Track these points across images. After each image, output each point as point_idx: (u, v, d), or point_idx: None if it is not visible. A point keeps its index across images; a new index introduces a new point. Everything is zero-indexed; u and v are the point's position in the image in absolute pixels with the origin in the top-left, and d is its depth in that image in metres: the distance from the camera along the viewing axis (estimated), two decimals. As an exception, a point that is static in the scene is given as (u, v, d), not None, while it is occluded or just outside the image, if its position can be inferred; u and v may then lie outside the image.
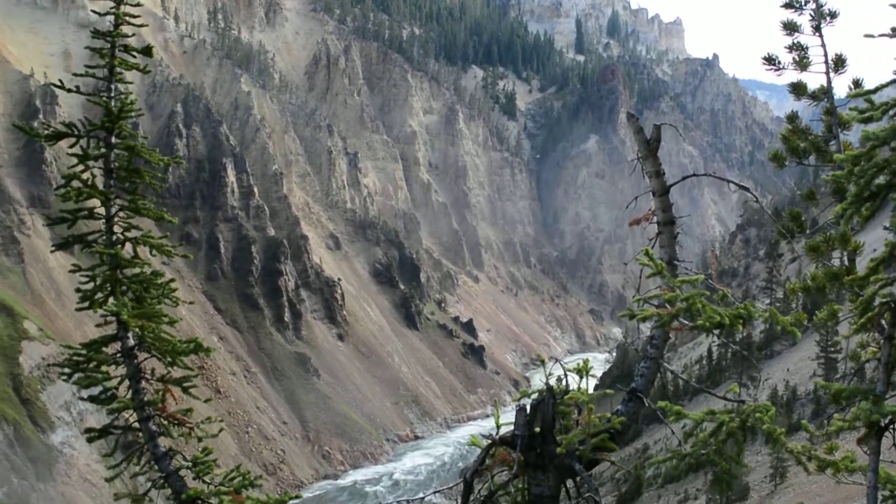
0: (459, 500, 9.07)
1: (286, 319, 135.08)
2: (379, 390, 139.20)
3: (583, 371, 9.04)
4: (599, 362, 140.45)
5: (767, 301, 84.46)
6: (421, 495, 9.88)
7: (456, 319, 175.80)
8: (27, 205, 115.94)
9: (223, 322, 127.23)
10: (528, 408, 8.95)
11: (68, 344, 12.00)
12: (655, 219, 9.01)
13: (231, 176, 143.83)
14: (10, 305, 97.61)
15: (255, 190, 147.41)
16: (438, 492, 9.61)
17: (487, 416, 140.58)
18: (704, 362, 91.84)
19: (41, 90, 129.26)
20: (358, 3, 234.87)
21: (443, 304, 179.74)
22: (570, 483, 9.07)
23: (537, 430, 8.91)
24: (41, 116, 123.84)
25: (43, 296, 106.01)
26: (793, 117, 9.00)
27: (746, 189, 9.92)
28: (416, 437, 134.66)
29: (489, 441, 9.05)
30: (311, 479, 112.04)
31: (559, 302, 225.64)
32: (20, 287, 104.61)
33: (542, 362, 9.32)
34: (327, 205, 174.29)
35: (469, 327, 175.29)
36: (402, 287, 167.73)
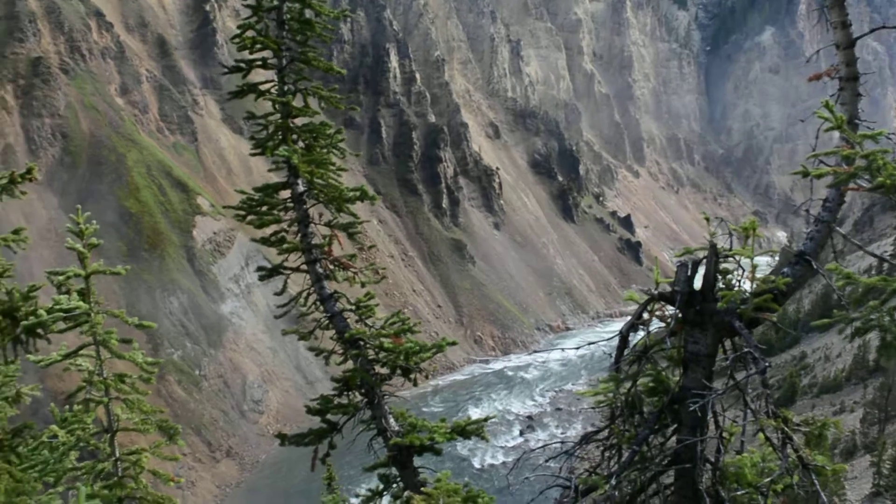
0: (614, 354, 9.11)
1: (444, 206, 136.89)
2: (532, 280, 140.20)
3: (749, 230, 8.74)
4: (762, 268, 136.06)
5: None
6: (576, 346, 9.99)
7: (613, 214, 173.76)
8: (200, 86, 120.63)
9: (383, 206, 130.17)
10: (689, 264, 8.81)
11: (241, 189, 12.59)
12: (838, 74, 8.49)
13: (394, 61, 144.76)
14: (185, 182, 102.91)
15: (417, 76, 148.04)
16: (593, 344, 9.68)
17: (628, 300, 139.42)
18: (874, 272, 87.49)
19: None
20: None
21: (601, 198, 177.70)
22: (727, 343, 8.95)
23: (698, 287, 8.78)
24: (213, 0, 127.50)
25: (214, 173, 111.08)
26: None
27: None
28: (567, 329, 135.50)
29: (647, 296, 8.99)
30: (462, 362, 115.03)
31: (722, 202, 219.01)
32: (194, 165, 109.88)
33: (707, 220, 9.09)
34: (488, 93, 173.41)
35: (626, 222, 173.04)
36: (560, 179, 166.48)
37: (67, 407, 11.94)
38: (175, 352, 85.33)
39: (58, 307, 8.90)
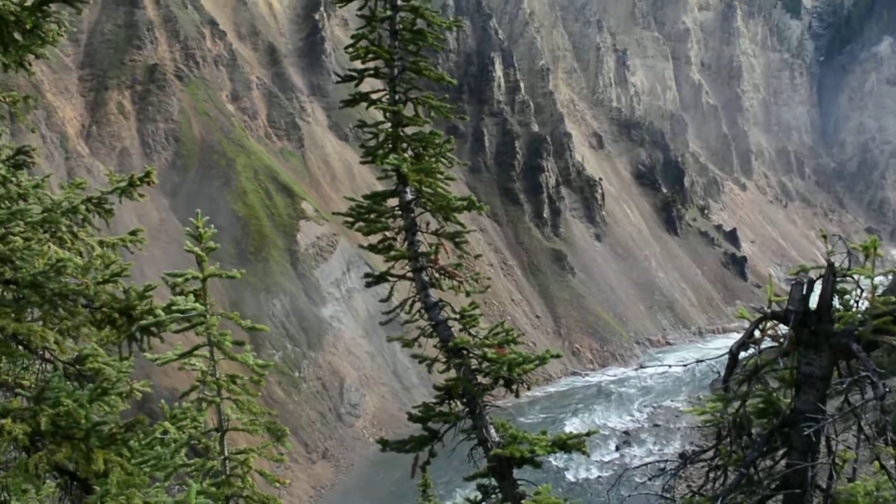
0: (723, 373, 8.90)
1: (545, 216, 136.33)
2: (633, 293, 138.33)
3: (870, 249, 8.44)
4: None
5: None
6: (683, 362, 9.79)
7: (718, 227, 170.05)
8: (308, 93, 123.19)
9: (483, 214, 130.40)
10: (804, 283, 8.54)
11: (350, 196, 12.80)
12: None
13: (498, 70, 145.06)
14: (291, 186, 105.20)
15: (521, 85, 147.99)
16: (702, 361, 9.48)
17: (744, 329, 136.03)
18: None
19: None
20: None
21: (706, 211, 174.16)
22: (842, 365, 8.64)
23: (813, 306, 8.51)
24: (322, 8, 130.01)
25: (319, 179, 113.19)
26: None
27: None
28: (668, 344, 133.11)
29: (759, 314, 8.75)
30: (559, 374, 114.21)
31: (833, 217, 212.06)
32: (300, 170, 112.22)
33: (825, 237, 8.80)
34: (592, 102, 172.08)
35: (732, 237, 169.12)
36: (665, 190, 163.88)
37: (177, 404, 12.33)
38: (276, 353, 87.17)
39: (175, 308, 9.21)
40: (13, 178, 11.10)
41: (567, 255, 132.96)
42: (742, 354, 9.21)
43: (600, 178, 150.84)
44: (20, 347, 10.39)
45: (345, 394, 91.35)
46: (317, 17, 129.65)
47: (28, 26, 9.36)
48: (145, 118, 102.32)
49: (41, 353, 10.63)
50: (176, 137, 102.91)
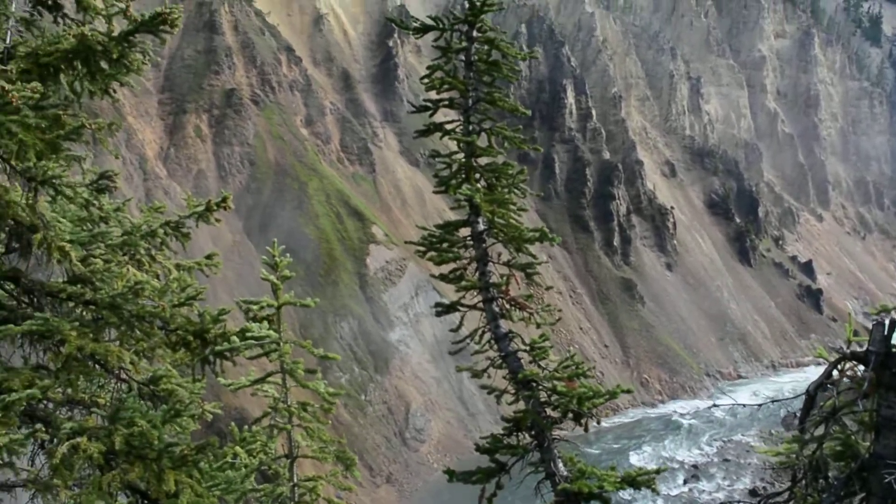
0: (799, 414, 8.67)
1: (615, 244, 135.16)
2: (704, 324, 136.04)
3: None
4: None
5: None
6: (757, 402, 9.56)
7: (793, 259, 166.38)
8: (380, 118, 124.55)
9: (555, 245, 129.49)
10: (886, 323, 8.28)
11: (423, 226, 12.85)
12: None
13: (570, 97, 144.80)
14: (362, 211, 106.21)
15: (593, 112, 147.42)
16: (776, 401, 9.24)
17: (819, 363, 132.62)
18: None
19: (397, 10, 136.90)
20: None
21: (780, 242, 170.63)
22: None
23: (895, 348, 8.23)
24: (396, 35, 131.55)
25: (390, 203, 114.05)
26: None
27: None
28: (739, 377, 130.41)
29: (838, 354, 8.51)
30: (627, 405, 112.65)
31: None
32: (370, 194, 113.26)
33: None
34: (665, 130, 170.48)
35: (807, 268, 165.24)
36: (738, 220, 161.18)
37: (247, 427, 12.46)
38: (343, 376, 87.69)
39: (249, 334, 9.35)
40: (95, 202, 11.41)
41: (637, 283, 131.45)
42: (819, 395, 8.96)
43: (672, 207, 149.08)
44: (97, 367, 10.63)
45: (410, 418, 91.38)
46: (390, 43, 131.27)
47: (114, 56, 9.64)
48: (221, 141, 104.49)
49: (117, 372, 10.85)
50: (251, 161, 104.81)
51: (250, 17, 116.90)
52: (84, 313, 10.75)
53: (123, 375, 10.99)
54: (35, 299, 11.01)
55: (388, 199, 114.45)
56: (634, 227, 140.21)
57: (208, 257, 12.10)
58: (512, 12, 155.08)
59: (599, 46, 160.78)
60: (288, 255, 10.60)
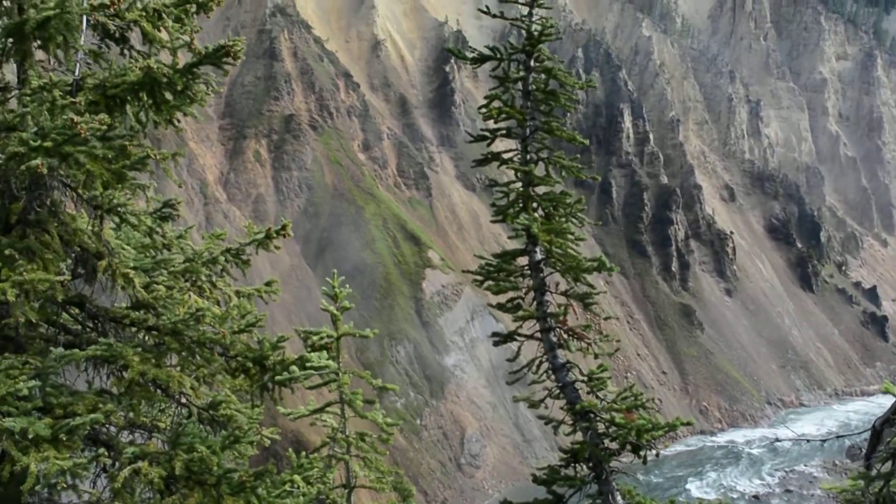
0: (865, 449, 8.44)
1: (673, 269, 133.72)
2: (765, 351, 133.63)
3: None
4: None
5: None
6: (821, 438, 9.34)
7: (857, 285, 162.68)
8: (437, 143, 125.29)
9: (613, 274, 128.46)
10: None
11: (480, 254, 12.87)
12: None
13: (627, 122, 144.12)
14: (418, 235, 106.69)
15: (651, 136, 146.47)
16: (841, 437, 9.02)
17: (884, 392, 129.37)
18: None
19: (454, 36, 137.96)
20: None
21: (843, 267, 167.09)
22: None
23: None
24: (452, 61, 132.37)
25: (446, 228, 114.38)
26: None
27: None
28: (801, 405, 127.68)
29: (908, 390, 8.28)
30: (686, 433, 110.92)
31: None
32: (427, 219, 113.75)
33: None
34: (724, 154, 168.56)
35: (871, 295, 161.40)
36: (799, 245, 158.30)
37: (304, 453, 12.52)
38: (399, 400, 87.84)
39: (309, 364, 9.43)
40: (159, 230, 11.63)
41: (696, 309, 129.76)
42: (886, 430, 8.72)
43: (731, 232, 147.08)
44: (159, 391, 10.79)
45: (465, 443, 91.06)
46: (447, 69, 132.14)
47: (179, 87, 9.85)
48: (280, 166, 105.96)
49: (178, 397, 11.01)
50: (309, 185, 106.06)
51: (309, 45, 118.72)
52: (146, 339, 10.93)
53: (184, 400, 11.14)
54: (99, 324, 11.22)
55: (444, 224, 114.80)
56: (693, 252, 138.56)
57: (268, 284, 12.25)
58: (569, 37, 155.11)
59: (657, 70, 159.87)
60: (347, 285, 10.69)
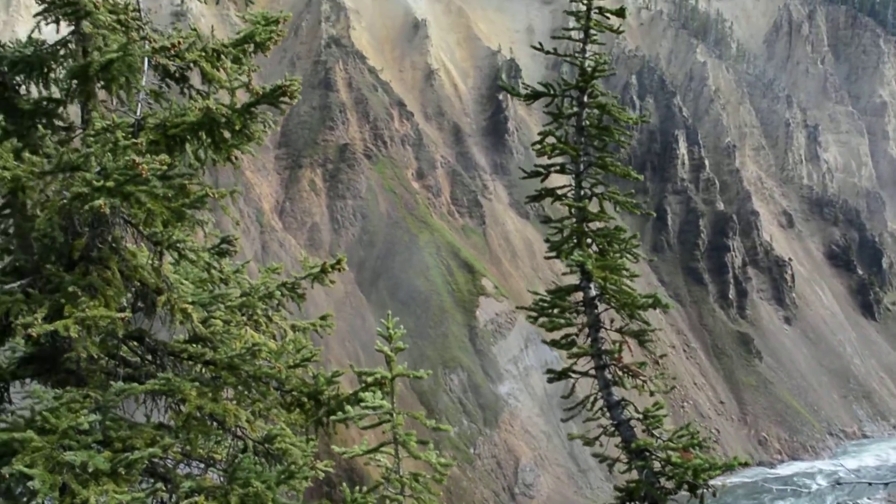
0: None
1: (730, 297, 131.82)
2: (826, 381, 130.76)
3: None
4: None
5: None
6: (884, 482, 9.10)
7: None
8: (490, 171, 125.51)
9: (666, 294, 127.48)
10: None
11: (535, 290, 12.85)
12: None
13: (682, 148, 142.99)
14: (472, 263, 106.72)
15: (706, 162, 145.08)
16: (908, 481, 8.77)
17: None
18: None
19: (507, 64, 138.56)
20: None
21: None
22: None
23: None
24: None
25: (500, 256, 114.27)
26: None
27: None
28: (864, 436, 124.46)
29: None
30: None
31: None
32: (480, 247, 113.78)
33: None
34: (781, 180, 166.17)
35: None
36: (860, 272, 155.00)
37: (358, 487, 12.53)
38: (452, 428, 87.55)
39: (364, 404, 9.52)
40: (217, 265, 11.81)
41: (754, 338, 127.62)
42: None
43: (790, 259, 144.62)
44: (215, 424, 10.92)
45: (519, 473, 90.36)
46: (500, 97, 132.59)
47: (237, 127, 10.04)
48: (335, 195, 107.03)
49: (233, 430, 11.12)
50: (363, 214, 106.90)
51: (364, 74, 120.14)
52: (204, 372, 11.08)
53: (239, 433, 11.25)
54: (158, 358, 11.42)
55: (497, 252, 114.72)
56: (750, 279, 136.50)
57: (322, 318, 12.36)
58: (622, 64, 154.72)
59: (712, 96, 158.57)
60: (401, 325, 10.74)
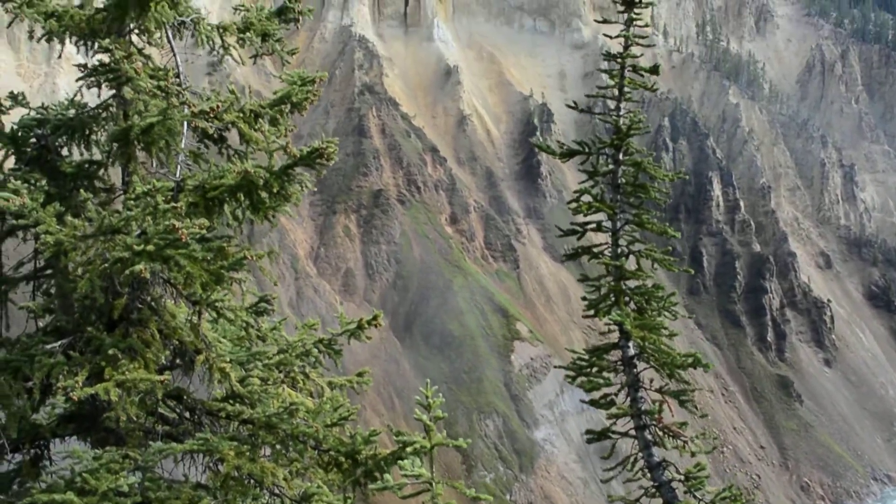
0: None
1: (769, 339, 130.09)
2: (868, 424, 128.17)
3: None
4: None
5: None
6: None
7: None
8: (523, 215, 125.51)
9: (702, 337, 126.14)
10: None
11: (573, 349, 12.77)
12: None
13: (716, 189, 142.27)
14: (506, 307, 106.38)
15: (741, 204, 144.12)
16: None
17: None
18: None
19: (539, 109, 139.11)
20: (857, 4, 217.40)
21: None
22: None
23: None
24: (538, 134, 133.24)
25: (534, 300, 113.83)
26: None
27: None
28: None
29: None
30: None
31: None
32: (514, 291, 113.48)
33: None
34: (818, 220, 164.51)
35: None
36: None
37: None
38: (487, 475, 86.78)
39: (403, 472, 9.48)
40: (254, 324, 11.87)
41: (794, 381, 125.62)
42: None
43: (829, 300, 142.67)
44: (252, 482, 10.90)
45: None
46: (533, 141, 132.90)
47: (275, 189, 10.14)
48: (369, 240, 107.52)
49: (271, 488, 11.09)
50: (397, 259, 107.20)
51: (397, 121, 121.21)
52: (241, 431, 11.08)
53: (277, 491, 11.22)
54: (196, 416, 11.45)
55: (532, 296, 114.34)
56: (789, 321, 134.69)
57: (359, 374, 12.39)
58: (654, 106, 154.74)
59: (745, 137, 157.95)
60: (441, 394, 10.72)
